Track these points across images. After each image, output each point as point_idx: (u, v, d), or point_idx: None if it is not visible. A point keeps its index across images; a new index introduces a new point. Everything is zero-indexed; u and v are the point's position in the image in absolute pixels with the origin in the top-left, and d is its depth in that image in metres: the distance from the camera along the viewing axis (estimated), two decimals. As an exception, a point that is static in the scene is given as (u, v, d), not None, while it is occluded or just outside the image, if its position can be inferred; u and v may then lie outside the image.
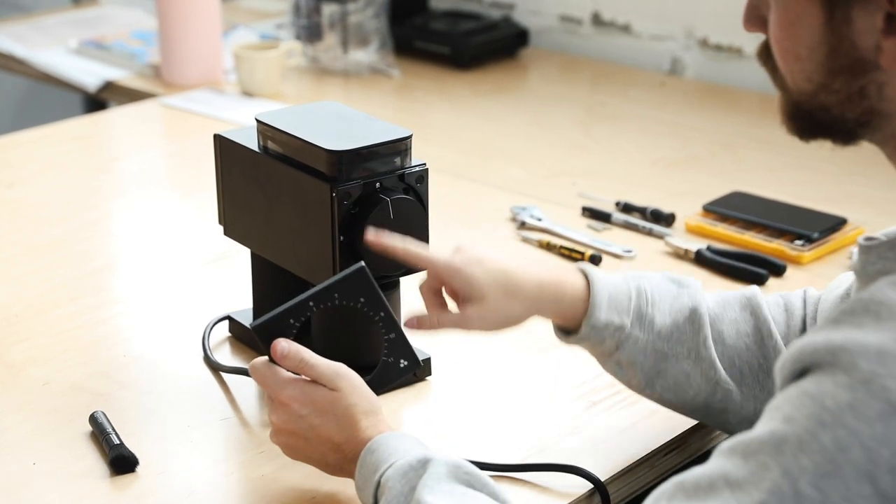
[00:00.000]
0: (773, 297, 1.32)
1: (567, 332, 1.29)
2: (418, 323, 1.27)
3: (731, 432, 1.30)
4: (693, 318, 1.27)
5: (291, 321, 1.21)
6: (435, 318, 1.27)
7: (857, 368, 0.84)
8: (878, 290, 0.88)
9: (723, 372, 1.26)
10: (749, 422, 1.26)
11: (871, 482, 0.82)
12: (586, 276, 1.26)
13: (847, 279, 1.28)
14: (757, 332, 1.28)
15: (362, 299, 1.23)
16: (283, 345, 1.20)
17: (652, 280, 1.29)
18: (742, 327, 1.28)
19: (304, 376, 1.21)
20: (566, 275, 1.27)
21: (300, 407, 1.19)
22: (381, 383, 1.25)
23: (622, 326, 1.25)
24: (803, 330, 1.30)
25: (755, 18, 1.02)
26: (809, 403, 0.85)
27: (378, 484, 1.13)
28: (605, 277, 1.27)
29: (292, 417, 1.20)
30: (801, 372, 0.88)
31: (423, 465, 1.12)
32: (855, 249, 1.04)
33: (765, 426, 0.87)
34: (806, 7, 0.95)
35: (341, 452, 1.19)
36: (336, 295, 1.22)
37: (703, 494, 0.88)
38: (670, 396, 1.29)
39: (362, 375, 1.21)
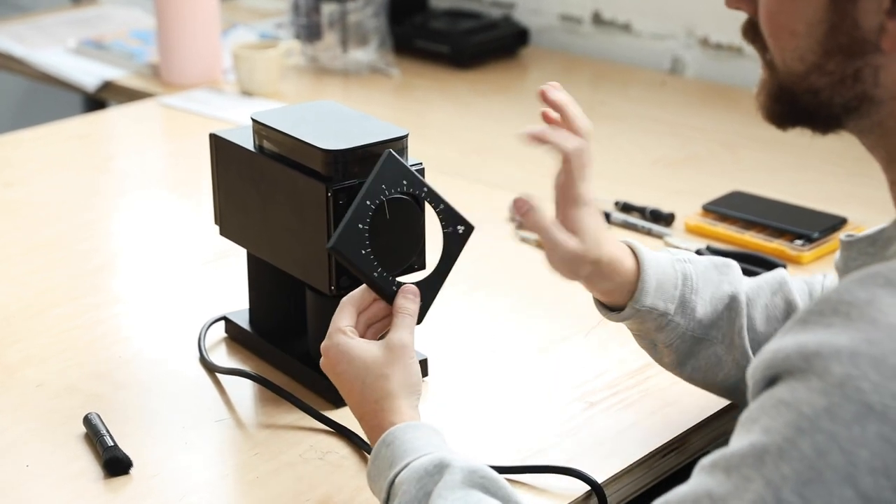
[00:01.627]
0: (799, 282, 1.34)
1: (611, 308, 1.30)
2: (527, 209, 1.23)
3: None
4: (731, 305, 1.29)
5: (360, 226, 1.23)
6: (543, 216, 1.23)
7: (830, 372, 0.83)
8: (845, 290, 0.87)
9: (753, 359, 1.27)
10: None
11: (852, 485, 0.82)
12: (636, 256, 1.27)
13: None
14: (787, 318, 1.30)
15: (404, 182, 1.26)
16: (411, 291, 1.22)
17: (698, 266, 1.30)
18: (772, 312, 1.31)
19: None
20: (621, 254, 1.26)
21: (336, 363, 1.19)
22: (452, 254, 1.28)
23: (665, 313, 1.28)
24: None
25: None
26: (786, 412, 0.84)
27: (392, 483, 1.11)
28: (655, 260, 1.28)
29: (332, 371, 1.20)
30: (772, 379, 0.88)
31: (439, 471, 1.09)
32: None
33: (743, 439, 0.87)
34: None
35: (361, 420, 1.18)
36: (383, 186, 1.25)
37: None
38: (699, 377, 1.32)
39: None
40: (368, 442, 1.19)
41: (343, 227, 1.22)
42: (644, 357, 1.40)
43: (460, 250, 1.29)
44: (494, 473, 1.10)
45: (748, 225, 1.81)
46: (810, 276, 1.37)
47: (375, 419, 1.16)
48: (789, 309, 1.31)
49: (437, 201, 1.28)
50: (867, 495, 0.81)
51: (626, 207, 1.88)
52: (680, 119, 2.33)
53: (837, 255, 1.02)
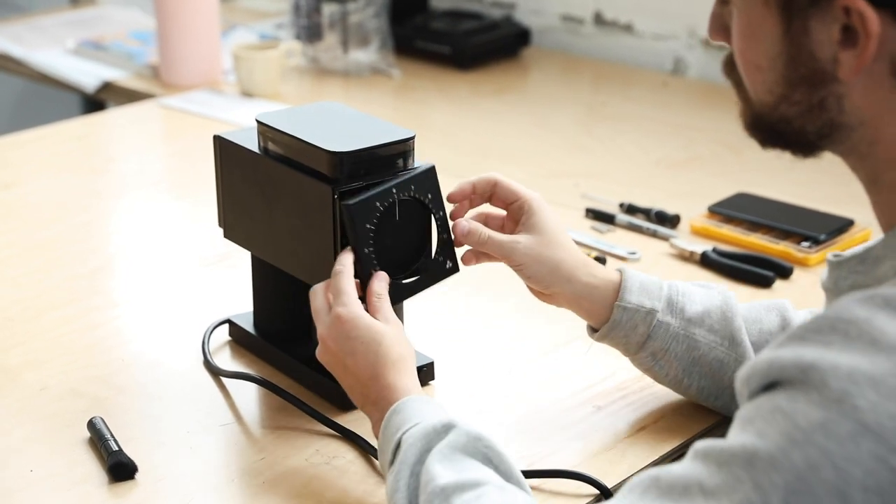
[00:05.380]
0: (804, 311, 1.36)
1: (597, 327, 1.34)
2: (468, 231, 1.31)
3: None
4: (724, 307, 1.32)
5: (377, 204, 1.28)
6: (486, 233, 1.31)
7: (827, 387, 0.84)
8: (845, 309, 0.88)
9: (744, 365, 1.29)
10: None
11: (842, 500, 0.83)
12: (620, 271, 1.34)
13: None
14: (782, 332, 1.30)
15: (430, 195, 1.31)
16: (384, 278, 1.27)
17: (685, 283, 1.35)
18: (766, 326, 1.32)
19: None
20: (600, 266, 1.34)
21: (352, 329, 1.21)
22: (429, 280, 1.33)
23: (653, 310, 1.30)
24: None
25: (720, 28, 1.03)
26: (782, 420, 0.85)
27: (399, 442, 1.13)
28: (638, 272, 1.34)
29: (345, 336, 1.22)
30: (769, 385, 0.88)
31: (445, 430, 1.12)
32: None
33: (738, 437, 0.88)
34: (766, 16, 0.96)
35: (370, 387, 1.21)
36: (413, 187, 1.30)
37: (678, 496, 0.89)
38: (707, 383, 1.32)
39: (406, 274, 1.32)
40: (373, 412, 1.21)
41: (365, 197, 1.27)
42: (652, 360, 1.40)
43: (437, 280, 1.34)
44: (498, 445, 1.12)
45: (754, 227, 1.80)
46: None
47: (387, 379, 1.20)
48: (784, 324, 1.32)
49: (444, 230, 1.33)
50: None
51: (630, 209, 1.87)
52: (682, 120, 2.32)
53: (825, 274, 1.03)
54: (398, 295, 1.30)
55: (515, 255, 1.30)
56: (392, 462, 1.13)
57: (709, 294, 1.33)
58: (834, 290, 1.01)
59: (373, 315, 1.24)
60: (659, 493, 0.90)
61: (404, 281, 1.31)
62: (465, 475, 1.07)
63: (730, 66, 1.03)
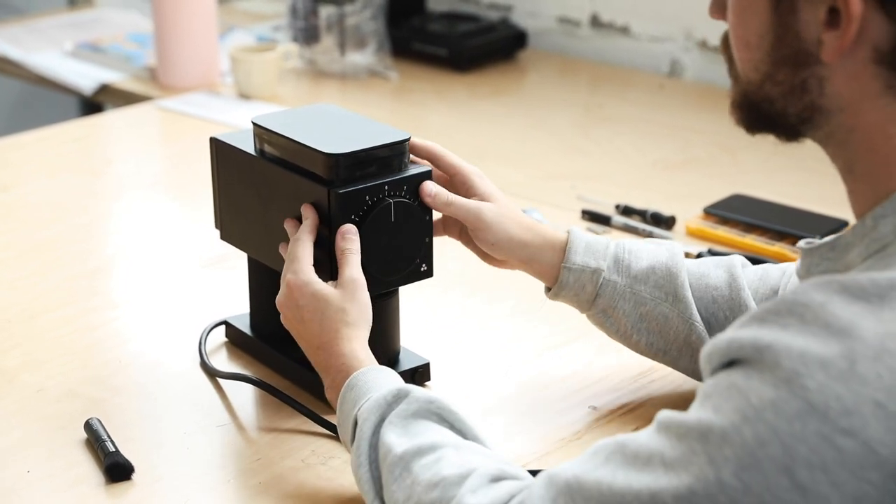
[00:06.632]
0: (755, 267, 1.39)
1: (550, 286, 1.38)
2: (435, 193, 1.34)
3: None
4: (670, 263, 1.35)
5: (366, 197, 1.30)
6: (451, 196, 1.35)
7: (780, 366, 0.88)
8: (803, 293, 0.91)
9: (696, 313, 1.34)
10: None
11: (788, 476, 0.86)
12: (568, 232, 1.38)
13: None
14: (728, 287, 1.35)
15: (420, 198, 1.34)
16: (349, 231, 1.30)
17: (635, 241, 1.39)
18: (712, 282, 1.36)
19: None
20: (549, 227, 1.39)
21: (299, 297, 1.26)
22: (401, 279, 1.36)
23: (598, 270, 1.34)
24: (768, 297, 1.35)
25: (719, 6, 1.05)
26: (736, 396, 0.89)
27: (356, 420, 1.16)
28: (585, 233, 1.38)
29: (294, 304, 1.27)
30: (728, 363, 0.92)
31: (396, 399, 1.15)
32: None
33: (697, 412, 0.92)
34: None
35: (318, 352, 1.25)
36: (405, 186, 1.32)
37: (640, 465, 0.92)
38: (655, 339, 1.36)
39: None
40: (325, 378, 1.25)
41: (355, 188, 1.29)
42: (646, 361, 1.40)
43: (412, 281, 1.36)
44: (451, 405, 1.15)
45: (749, 228, 1.80)
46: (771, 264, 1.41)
47: (334, 347, 1.24)
48: (731, 280, 1.35)
49: (427, 233, 1.35)
50: (803, 486, 0.86)
51: (626, 210, 1.87)
52: (679, 122, 2.32)
53: (798, 262, 1.05)
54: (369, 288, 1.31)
55: (482, 216, 1.34)
56: (353, 439, 1.16)
57: (656, 250, 1.37)
58: (806, 276, 1.03)
59: (340, 269, 1.27)
60: (623, 461, 0.94)
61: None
62: (420, 439, 1.11)
63: (725, 44, 1.05)
